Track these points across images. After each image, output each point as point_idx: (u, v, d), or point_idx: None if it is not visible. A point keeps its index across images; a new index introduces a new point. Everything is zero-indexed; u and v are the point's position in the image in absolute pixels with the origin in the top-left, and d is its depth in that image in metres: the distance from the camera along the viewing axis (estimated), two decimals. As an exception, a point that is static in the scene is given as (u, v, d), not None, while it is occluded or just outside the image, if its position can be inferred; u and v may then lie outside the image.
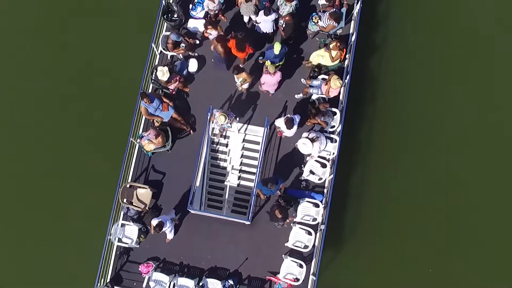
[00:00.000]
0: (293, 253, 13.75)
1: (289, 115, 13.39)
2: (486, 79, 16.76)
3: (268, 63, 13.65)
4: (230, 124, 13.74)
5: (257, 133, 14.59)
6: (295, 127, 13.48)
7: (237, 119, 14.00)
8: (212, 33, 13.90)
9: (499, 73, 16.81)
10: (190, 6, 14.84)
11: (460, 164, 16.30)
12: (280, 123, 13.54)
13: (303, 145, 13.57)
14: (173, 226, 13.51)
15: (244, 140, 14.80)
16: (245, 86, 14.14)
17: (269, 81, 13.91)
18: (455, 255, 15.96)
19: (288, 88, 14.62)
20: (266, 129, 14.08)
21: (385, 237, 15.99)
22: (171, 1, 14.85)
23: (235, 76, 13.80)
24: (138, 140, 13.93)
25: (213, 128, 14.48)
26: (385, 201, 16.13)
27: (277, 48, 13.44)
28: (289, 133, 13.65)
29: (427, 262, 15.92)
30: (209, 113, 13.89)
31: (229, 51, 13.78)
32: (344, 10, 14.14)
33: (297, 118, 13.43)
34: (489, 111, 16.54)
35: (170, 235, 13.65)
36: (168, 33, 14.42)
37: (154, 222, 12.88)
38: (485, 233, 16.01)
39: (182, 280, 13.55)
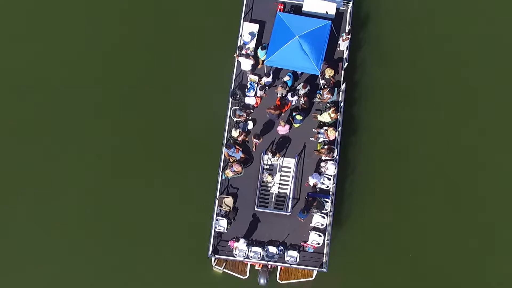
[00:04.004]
0: (315, 228, 24.40)
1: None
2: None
3: (295, 125, 24.54)
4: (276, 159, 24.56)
5: (289, 162, 25.21)
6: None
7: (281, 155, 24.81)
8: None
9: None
10: (246, 90, 25.42)
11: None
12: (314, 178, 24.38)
13: (311, 178, 24.32)
14: None
15: (283, 169, 25.42)
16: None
17: (282, 129, 24.71)
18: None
19: (305, 134, 25.25)
20: (296, 159, 24.72)
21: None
22: (236, 88, 25.44)
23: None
24: (225, 171, 24.52)
25: (264, 162, 25.06)
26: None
27: (298, 117, 24.27)
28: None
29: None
30: (263, 154, 24.58)
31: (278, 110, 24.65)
32: (336, 90, 24.91)
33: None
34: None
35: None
36: (236, 107, 25.04)
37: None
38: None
39: (254, 248, 24.17)
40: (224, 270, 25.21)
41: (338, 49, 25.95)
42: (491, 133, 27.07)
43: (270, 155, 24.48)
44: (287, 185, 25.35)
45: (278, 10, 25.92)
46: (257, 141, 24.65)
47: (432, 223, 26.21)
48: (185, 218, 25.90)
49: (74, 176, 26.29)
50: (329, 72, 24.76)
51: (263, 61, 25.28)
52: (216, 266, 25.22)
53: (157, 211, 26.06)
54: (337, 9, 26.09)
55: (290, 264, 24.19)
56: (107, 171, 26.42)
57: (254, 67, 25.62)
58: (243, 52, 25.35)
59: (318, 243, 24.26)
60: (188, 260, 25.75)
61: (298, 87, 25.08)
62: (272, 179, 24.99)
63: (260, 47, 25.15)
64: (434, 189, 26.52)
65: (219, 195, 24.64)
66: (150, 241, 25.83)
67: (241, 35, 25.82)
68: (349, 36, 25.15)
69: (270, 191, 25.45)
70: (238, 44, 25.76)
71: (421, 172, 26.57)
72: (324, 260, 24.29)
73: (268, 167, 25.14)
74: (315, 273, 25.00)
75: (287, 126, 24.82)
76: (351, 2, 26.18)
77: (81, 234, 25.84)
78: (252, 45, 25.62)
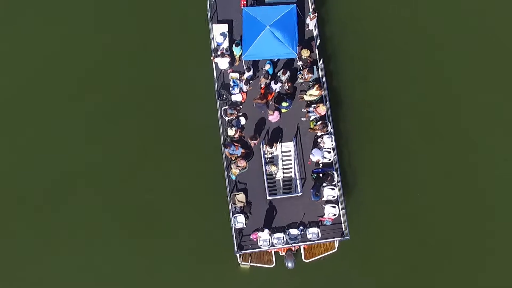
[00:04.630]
0: (328, 201, 25.36)
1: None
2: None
3: (283, 110, 25.42)
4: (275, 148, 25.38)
5: (288, 146, 26.08)
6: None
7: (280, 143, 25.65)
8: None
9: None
10: (230, 88, 26.17)
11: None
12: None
13: (312, 155, 25.24)
14: None
15: (283, 152, 26.28)
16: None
17: (273, 117, 25.61)
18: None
19: (296, 116, 26.16)
20: (294, 141, 25.60)
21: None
22: (220, 88, 26.17)
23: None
24: (232, 170, 25.25)
25: (264, 152, 25.85)
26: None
27: (284, 104, 25.15)
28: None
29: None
30: (262, 145, 25.37)
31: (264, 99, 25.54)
32: (315, 67, 25.84)
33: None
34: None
35: None
36: (226, 107, 25.79)
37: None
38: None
39: (276, 235, 24.99)
40: (251, 264, 26.00)
41: (307, 29, 26.88)
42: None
43: (268, 148, 25.33)
44: (291, 168, 26.22)
45: (242, 5, 26.71)
46: (254, 142, 25.50)
47: (427, 172, 27.72)
48: (205, 223, 26.76)
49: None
50: (305, 53, 25.68)
51: (239, 57, 26.10)
52: (242, 263, 25.98)
53: (174, 221, 26.88)
54: (298, -8, 27.08)
55: (314, 241, 25.10)
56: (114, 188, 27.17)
57: (232, 64, 26.40)
58: (219, 53, 26.10)
59: (335, 214, 25.23)
60: (216, 262, 26.59)
61: (278, 74, 25.92)
62: (276, 168, 25.83)
63: (234, 45, 25.93)
64: (426, 140, 27.89)
65: (230, 194, 25.40)
66: (173, 250, 26.63)
67: (213, 38, 26.56)
68: (316, 14, 26.08)
69: (276, 178, 26.28)
70: (213, 47, 26.49)
71: (413, 127, 28.02)
72: (344, 229, 25.27)
73: (269, 157, 25.96)
74: (337, 244, 26.00)
75: (277, 113, 25.68)
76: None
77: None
78: (225, 44, 26.37)
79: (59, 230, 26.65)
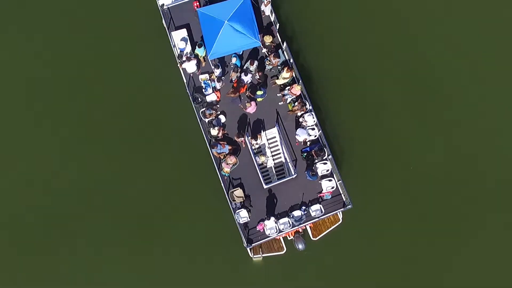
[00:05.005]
0: (323, 176, 25.74)
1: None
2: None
3: (259, 99, 25.70)
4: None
5: (272, 132, 26.37)
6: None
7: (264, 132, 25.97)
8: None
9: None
10: (203, 90, 26.33)
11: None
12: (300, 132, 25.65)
13: (298, 136, 25.58)
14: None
15: (269, 139, 26.56)
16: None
17: (251, 108, 25.86)
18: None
19: (274, 102, 26.46)
20: (277, 126, 25.90)
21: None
22: (193, 92, 26.30)
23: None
24: (223, 169, 25.45)
25: (251, 144, 26.09)
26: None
27: (259, 93, 25.42)
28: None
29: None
30: (247, 137, 25.62)
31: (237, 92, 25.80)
32: (280, 51, 26.16)
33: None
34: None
35: None
36: (203, 109, 25.94)
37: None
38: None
39: (281, 221, 25.28)
40: (263, 255, 26.26)
41: (264, 15, 27.20)
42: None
43: (253, 140, 25.60)
44: (280, 153, 26.53)
45: (196, 7, 26.88)
46: (242, 138, 25.74)
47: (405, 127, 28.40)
48: (213, 226, 27.00)
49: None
50: (267, 39, 26.00)
51: (204, 57, 26.30)
52: (254, 256, 26.23)
53: (184, 227, 27.05)
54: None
55: (318, 217, 25.48)
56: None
57: (199, 66, 26.57)
58: (184, 58, 26.24)
59: (333, 187, 25.65)
60: (229, 260, 26.83)
61: (247, 65, 26.19)
62: (266, 157, 26.11)
63: (196, 46, 26.11)
64: (403, 91, 28.63)
65: (228, 192, 25.60)
66: (186, 252, 26.89)
67: (174, 45, 26.67)
68: (269, 0, 26.41)
69: (268, 166, 26.59)
70: (177, 54, 26.61)
71: (386, 82, 28.74)
72: (344, 199, 25.70)
73: (256, 148, 26.21)
74: (341, 215, 26.41)
75: (253, 104, 25.96)
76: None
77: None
78: (188, 48, 26.53)
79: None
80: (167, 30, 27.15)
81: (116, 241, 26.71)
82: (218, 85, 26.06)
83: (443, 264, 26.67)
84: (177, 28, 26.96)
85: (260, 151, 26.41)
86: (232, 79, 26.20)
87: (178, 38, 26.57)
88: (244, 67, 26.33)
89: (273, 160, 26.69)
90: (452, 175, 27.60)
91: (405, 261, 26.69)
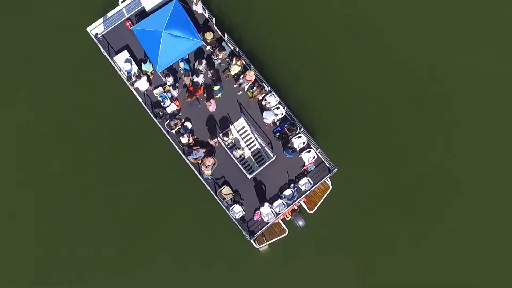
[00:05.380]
0: (302, 149, 26.01)
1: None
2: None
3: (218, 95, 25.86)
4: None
5: (240, 123, 26.49)
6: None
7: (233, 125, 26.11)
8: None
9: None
10: (161, 103, 26.27)
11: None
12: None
13: (266, 119, 25.80)
14: None
15: (239, 131, 26.68)
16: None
17: (212, 107, 26.03)
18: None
19: (232, 94, 26.59)
20: (243, 116, 26.04)
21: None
22: (152, 109, 26.23)
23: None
24: (204, 173, 25.50)
25: (224, 141, 26.17)
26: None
27: (216, 88, 25.54)
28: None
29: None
30: (218, 136, 25.73)
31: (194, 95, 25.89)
32: (224, 43, 26.28)
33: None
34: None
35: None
36: (167, 121, 25.91)
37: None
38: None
39: (275, 204, 25.46)
40: (268, 243, 26.42)
41: (197, 14, 27.27)
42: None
43: (225, 137, 25.69)
44: (253, 141, 26.69)
45: (129, 26, 26.79)
46: (215, 139, 25.81)
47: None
48: (212, 230, 27.09)
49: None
50: (208, 36, 26.09)
51: (152, 72, 26.32)
52: (260, 246, 26.36)
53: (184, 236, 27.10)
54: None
55: (309, 190, 25.77)
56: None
57: (151, 82, 26.51)
58: (134, 79, 26.15)
59: (314, 157, 25.95)
60: (238, 257, 26.96)
61: (196, 67, 26.24)
62: (241, 150, 26.24)
63: (142, 64, 26.09)
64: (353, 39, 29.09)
65: (216, 193, 25.66)
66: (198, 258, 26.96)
67: (120, 69, 26.55)
68: (198, -3, 26.63)
69: (246, 157, 26.74)
70: (125, 77, 26.49)
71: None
72: (328, 165, 26.03)
73: (230, 143, 26.32)
74: (330, 182, 26.72)
75: (212, 101, 26.04)
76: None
77: None
78: (135, 68, 26.44)
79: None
80: (108, 57, 26.99)
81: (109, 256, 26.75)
82: (175, 93, 26.07)
83: (436, 215, 27.17)
84: (117, 52, 26.81)
85: (235, 145, 26.52)
86: (186, 83, 26.23)
87: (122, 61, 26.45)
88: (194, 69, 26.38)
89: (249, 149, 26.84)
90: (429, 118, 28.28)
91: (397, 219, 27.20)
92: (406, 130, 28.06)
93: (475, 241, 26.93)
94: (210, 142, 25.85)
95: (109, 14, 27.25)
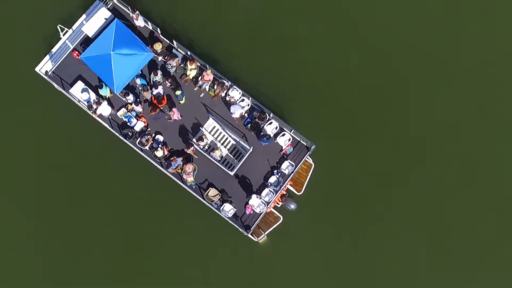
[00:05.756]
0: (276, 134, 26.12)
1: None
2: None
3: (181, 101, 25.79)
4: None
5: (210, 124, 26.47)
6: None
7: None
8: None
9: None
10: (127, 124, 26.10)
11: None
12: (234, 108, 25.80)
13: (234, 114, 25.83)
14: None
15: (211, 132, 26.66)
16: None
17: (175, 116, 25.88)
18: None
19: (196, 98, 26.56)
20: (211, 116, 26.05)
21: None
22: (121, 131, 26.06)
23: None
24: (187, 180, 25.44)
25: (200, 146, 26.11)
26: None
27: (178, 93, 25.51)
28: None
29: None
30: (193, 143, 25.69)
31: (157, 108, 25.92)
32: (174, 50, 26.25)
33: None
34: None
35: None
36: (137, 139, 25.79)
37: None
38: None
39: (263, 193, 25.54)
40: (266, 233, 26.49)
41: (140, 29, 27.11)
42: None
43: (200, 143, 25.64)
44: (227, 138, 26.70)
45: (77, 56, 26.55)
46: (192, 148, 25.66)
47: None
48: (210, 235, 27.25)
49: None
50: (158, 47, 25.99)
51: (109, 97, 26.26)
52: (259, 239, 26.41)
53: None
54: (108, 9, 27.13)
55: (293, 171, 25.91)
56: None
57: (112, 104, 26.32)
58: (94, 106, 25.93)
59: (289, 139, 26.09)
60: (240, 256, 27.19)
61: (153, 79, 26.16)
62: (219, 150, 26.27)
63: (99, 89, 25.91)
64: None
65: (203, 197, 25.65)
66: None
67: (79, 101, 26.31)
68: (137, 12, 26.34)
69: (224, 155, 26.73)
70: (86, 107, 26.25)
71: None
72: (305, 143, 26.20)
73: (206, 146, 26.32)
74: (310, 160, 26.88)
75: (175, 110, 25.93)
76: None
77: None
78: (93, 95, 26.21)
79: None
80: (63, 91, 26.71)
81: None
82: (139, 109, 25.95)
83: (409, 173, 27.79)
84: (72, 84, 26.53)
85: (211, 147, 26.49)
86: (147, 98, 26.10)
87: (78, 92, 26.20)
88: (152, 82, 26.29)
89: (225, 147, 26.84)
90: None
91: (380, 184, 27.67)
92: (369, 99, 28.51)
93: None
94: (188, 152, 25.75)
95: (54, 50, 26.94)
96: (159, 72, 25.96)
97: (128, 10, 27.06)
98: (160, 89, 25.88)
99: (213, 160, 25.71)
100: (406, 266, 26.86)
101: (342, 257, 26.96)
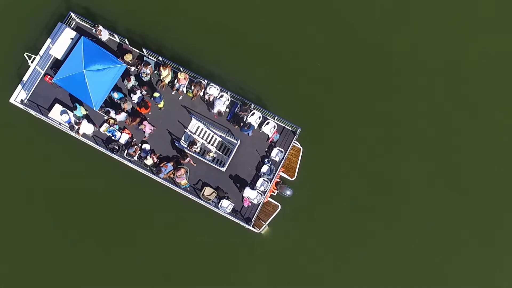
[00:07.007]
0: (260, 124, 26.22)
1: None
2: None
3: (160, 104, 25.78)
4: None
5: (194, 124, 26.49)
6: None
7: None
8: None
9: None
10: (112, 138, 26.00)
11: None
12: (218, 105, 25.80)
13: (219, 109, 25.85)
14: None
15: (195, 132, 26.68)
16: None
17: (147, 129, 25.96)
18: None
19: (175, 101, 26.55)
20: (193, 117, 26.07)
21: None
22: (107, 146, 25.95)
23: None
24: (179, 184, 25.44)
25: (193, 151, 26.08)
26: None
27: (156, 95, 25.49)
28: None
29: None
30: (185, 149, 25.73)
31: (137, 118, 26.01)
32: (145, 58, 26.23)
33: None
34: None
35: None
36: (125, 151, 25.70)
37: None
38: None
39: (257, 184, 25.64)
40: (267, 223, 26.58)
41: (108, 42, 27.02)
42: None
43: (194, 147, 25.69)
44: (213, 136, 26.73)
45: (50, 81, 26.37)
46: (188, 158, 25.66)
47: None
48: (212, 235, 27.42)
49: None
50: (128, 57, 25.94)
51: (85, 115, 26.27)
52: (261, 229, 26.50)
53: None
54: (72, 29, 27.03)
55: (283, 158, 26.04)
56: None
57: (93, 122, 26.21)
58: (76, 126, 25.80)
59: (274, 126, 26.21)
60: (245, 252, 27.43)
61: (127, 86, 26.21)
62: (213, 151, 26.43)
63: (74, 111, 25.86)
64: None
65: (199, 197, 25.68)
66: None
67: (60, 123, 26.16)
68: (99, 27, 26.42)
69: (213, 153, 26.76)
70: (67, 129, 26.10)
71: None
72: (291, 128, 26.35)
73: (199, 149, 26.40)
74: (298, 144, 27.01)
75: (146, 123, 25.97)
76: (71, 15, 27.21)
77: None
78: (71, 116, 26.09)
79: None
80: (42, 117, 26.50)
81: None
82: (122, 118, 25.90)
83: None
84: (50, 109, 26.36)
85: (204, 148, 26.56)
86: (127, 109, 26.03)
87: (58, 115, 26.04)
88: (128, 89, 26.34)
89: (212, 145, 26.87)
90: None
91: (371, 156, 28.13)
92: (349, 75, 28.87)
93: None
94: (185, 162, 25.73)
95: (25, 78, 26.74)
96: (132, 77, 26.02)
97: (91, 26, 26.96)
98: (137, 96, 25.81)
99: (204, 160, 25.73)
100: (407, 244, 27.30)
101: (347, 233, 27.32)
